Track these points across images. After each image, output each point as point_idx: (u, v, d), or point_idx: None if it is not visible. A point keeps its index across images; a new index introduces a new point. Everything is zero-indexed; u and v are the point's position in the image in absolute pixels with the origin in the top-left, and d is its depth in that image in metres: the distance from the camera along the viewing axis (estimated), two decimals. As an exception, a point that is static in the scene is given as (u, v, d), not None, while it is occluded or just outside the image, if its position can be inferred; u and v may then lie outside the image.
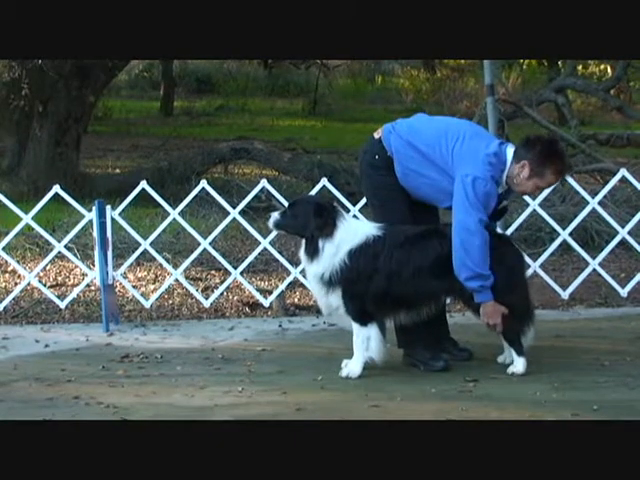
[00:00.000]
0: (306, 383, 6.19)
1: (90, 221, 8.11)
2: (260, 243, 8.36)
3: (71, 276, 9.48)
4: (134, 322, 8.10)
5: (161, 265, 8.81)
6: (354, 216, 7.83)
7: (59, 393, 6.07)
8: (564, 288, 8.16)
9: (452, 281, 6.17)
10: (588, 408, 5.52)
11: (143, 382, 6.30)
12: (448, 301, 6.89)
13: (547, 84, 16.47)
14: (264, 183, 8.37)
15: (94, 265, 8.32)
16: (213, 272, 9.46)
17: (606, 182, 9.76)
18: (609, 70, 23.87)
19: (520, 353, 6.25)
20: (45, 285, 8.79)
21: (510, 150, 6.24)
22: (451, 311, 7.53)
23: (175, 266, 8.56)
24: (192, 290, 8.39)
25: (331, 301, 6.26)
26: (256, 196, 8.72)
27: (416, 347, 6.49)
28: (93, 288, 8.72)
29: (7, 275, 9.44)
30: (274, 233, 8.12)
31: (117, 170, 16.28)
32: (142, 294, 8.51)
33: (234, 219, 8.41)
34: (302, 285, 8.54)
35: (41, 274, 9.14)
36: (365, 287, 6.17)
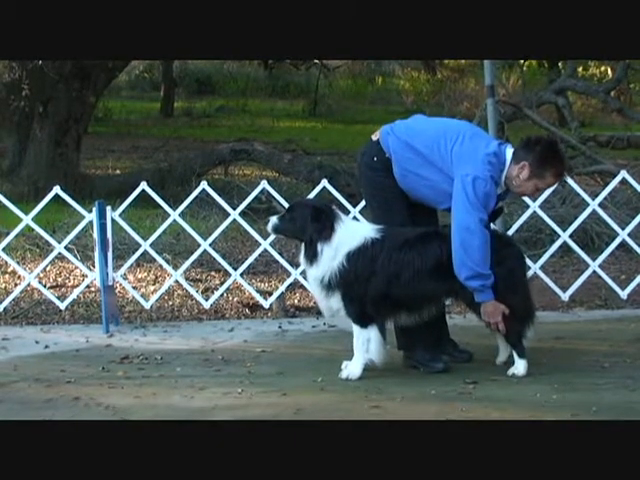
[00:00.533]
0: (306, 384, 6.18)
1: (90, 222, 8.11)
2: (260, 244, 8.35)
3: (71, 277, 9.48)
4: (134, 323, 8.10)
5: (161, 266, 8.81)
6: (354, 218, 7.83)
7: (59, 394, 6.06)
8: (564, 290, 8.16)
9: (452, 283, 6.17)
10: (588, 410, 5.51)
11: (143, 383, 6.30)
12: (448, 302, 6.89)
13: (547, 86, 16.47)
14: (264, 184, 8.37)
15: (94, 266, 8.32)
16: (213, 273, 9.46)
17: (606, 184, 9.75)
18: (609, 72, 23.87)
19: (521, 355, 6.25)
20: (45, 286, 8.79)
21: (509, 151, 6.23)
22: (451, 313, 7.53)
23: (175, 267, 8.56)
24: (192, 291, 8.38)
25: (332, 304, 6.26)
26: (256, 197, 8.72)
27: (416, 349, 6.49)
28: (93, 289, 8.72)
29: (7, 276, 9.44)
30: (274, 235, 8.13)
31: (117, 171, 16.28)
32: (142, 295, 8.51)
33: (234, 220, 8.41)
34: (302, 286, 8.53)
35: (41, 275, 9.14)
36: (364, 289, 6.17)
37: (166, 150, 17.72)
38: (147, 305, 8.27)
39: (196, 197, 8.54)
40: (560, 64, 22.63)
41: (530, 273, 7.81)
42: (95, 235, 7.97)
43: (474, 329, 6.76)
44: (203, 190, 8.37)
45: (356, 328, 6.26)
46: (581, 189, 8.50)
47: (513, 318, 6.18)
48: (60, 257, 8.96)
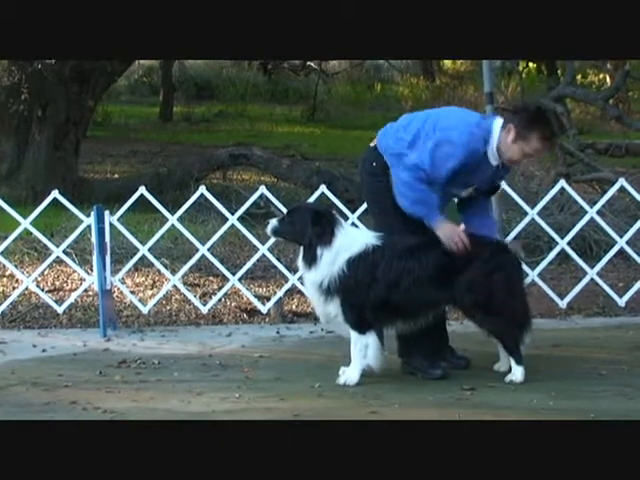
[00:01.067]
0: (303, 390, 6.18)
1: (88, 226, 8.11)
2: (258, 249, 8.36)
3: (69, 281, 9.47)
4: (132, 328, 8.10)
5: (159, 271, 8.80)
6: (353, 224, 7.83)
7: (56, 398, 6.06)
8: (562, 297, 8.17)
9: (452, 290, 6.18)
10: (585, 417, 5.50)
11: (140, 388, 6.29)
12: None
13: (546, 93, 16.46)
14: (263, 190, 8.37)
15: (92, 270, 8.31)
16: (211, 278, 9.46)
17: (605, 191, 9.76)
18: (608, 79, 23.88)
19: (519, 362, 6.25)
20: (43, 290, 8.79)
21: (499, 121, 6.28)
22: (449, 319, 7.52)
23: (173, 272, 8.56)
24: (190, 296, 8.38)
25: (329, 309, 6.26)
26: (255, 202, 8.72)
27: (415, 355, 6.49)
28: (91, 293, 8.72)
29: (5, 279, 9.44)
30: (272, 239, 8.13)
31: (116, 175, 16.28)
32: (140, 300, 8.51)
33: (232, 225, 8.41)
34: (300, 292, 8.53)
35: (39, 279, 9.13)
36: (364, 296, 6.17)
37: (165, 155, 17.73)
38: (145, 309, 8.27)
39: (194, 202, 8.55)
40: (559, 71, 22.64)
41: (528, 280, 7.83)
42: (93, 239, 7.97)
43: (472, 336, 6.76)
44: (201, 195, 8.38)
45: (354, 334, 6.25)
46: (579, 196, 8.52)
47: (510, 324, 6.19)
48: (58, 261, 8.96)
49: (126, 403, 5.94)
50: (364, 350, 6.22)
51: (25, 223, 8.38)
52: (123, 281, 8.76)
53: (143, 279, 9.51)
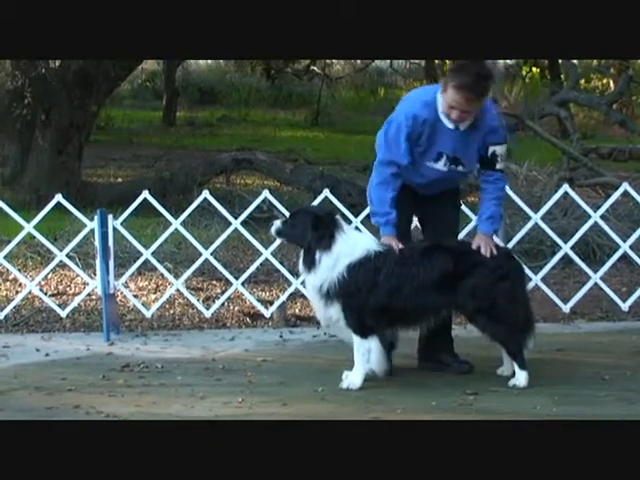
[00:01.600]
0: (306, 394, 6.18)
1: (92, 230, 8.11)
2: (262, 254, 8.36)
3: (72, 285, 9.47)
4: (135, 332, 8.10)
5: (162, 275, 8.80)
6: (356, 228, 7.83)
7: (59, 402, 6.06)
8: (565, 302, 8.16)
9: (454, 295, 6.18)
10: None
11: (143, 392, 6.29)
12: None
13: (549, 97, 16.47)
14: (266, 194, 8.37)
15: (95, 274, 8.32)
16: (214, 282, 9.46)
17: (608, 196, 9.75)
18: (612, 84, 23.89)
19: (522, 366, 6.24)
20: (46, 294, 8.78)
21: None
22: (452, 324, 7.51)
23: (176, 276, 8.56)
24: (193, 300, 8.38)
25: (330, 313, 6.26)
26: (258, 207, 8.71)
27: (440, 352, 6.63)
28: (94, 297, 8.71)
29: (8, 283, 9.44)
30: (276, 244, 8.15)
31: (119, 179, 16.29)
32: (143, 304, 8.51)
33: (236, 229, 8.41)
34: (303, 296, 8.52)
35: (42, 283, 9.13)
36: (365, 301, 6.17)
37: (168, 159, 17.71)
38: (148, 313, 8.27)
39: (198, 206, 8.55)
40: (562, 76, 22.64)
41: (531, 285, 7.82)
42: (96, 243, 7.97)
43: (475, 340, 6.75)
44: (205, 199, 8.38)
45: (356, 339, 6.25)
46: (583, 201, 8.51)
47: (513, 329, 6.19)
48: (61, 265, 8.95)
49: (129, 407, 5.94)
50: (367, 355, 6.22)
51: (28, 227, 8.38)
52: (126, 285, 8.75)
53: (146, 283, 9.51)
